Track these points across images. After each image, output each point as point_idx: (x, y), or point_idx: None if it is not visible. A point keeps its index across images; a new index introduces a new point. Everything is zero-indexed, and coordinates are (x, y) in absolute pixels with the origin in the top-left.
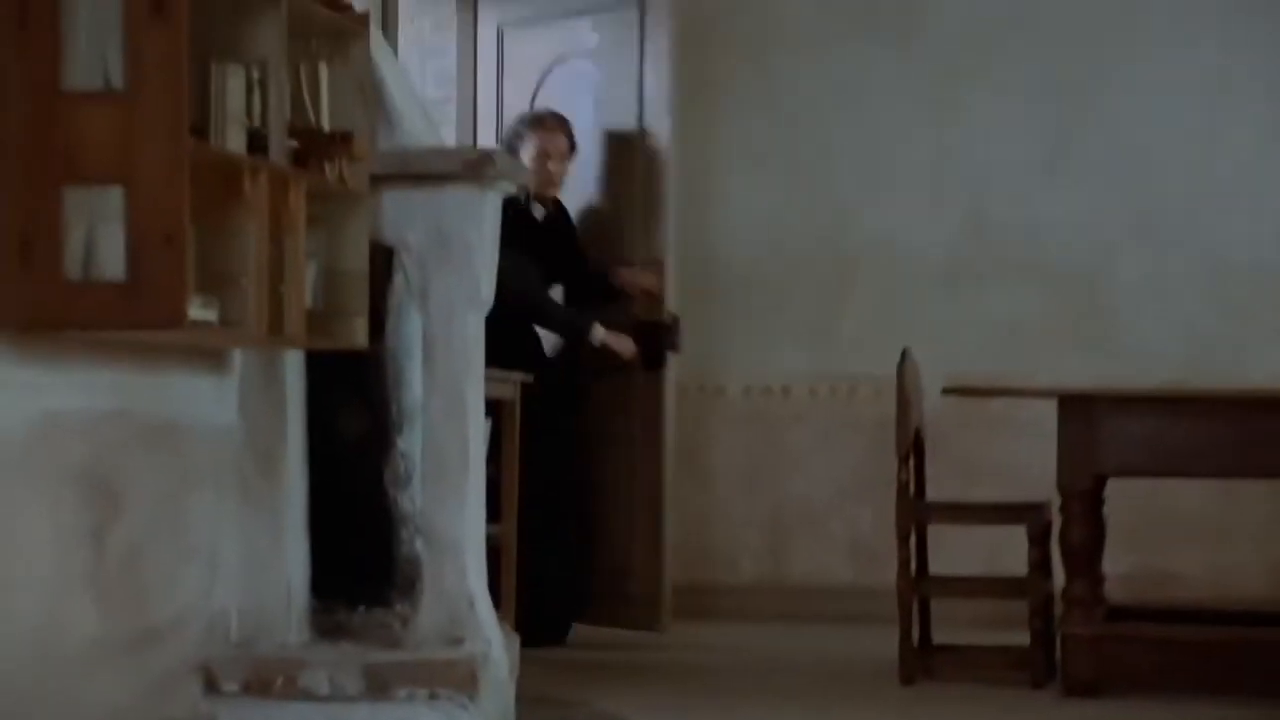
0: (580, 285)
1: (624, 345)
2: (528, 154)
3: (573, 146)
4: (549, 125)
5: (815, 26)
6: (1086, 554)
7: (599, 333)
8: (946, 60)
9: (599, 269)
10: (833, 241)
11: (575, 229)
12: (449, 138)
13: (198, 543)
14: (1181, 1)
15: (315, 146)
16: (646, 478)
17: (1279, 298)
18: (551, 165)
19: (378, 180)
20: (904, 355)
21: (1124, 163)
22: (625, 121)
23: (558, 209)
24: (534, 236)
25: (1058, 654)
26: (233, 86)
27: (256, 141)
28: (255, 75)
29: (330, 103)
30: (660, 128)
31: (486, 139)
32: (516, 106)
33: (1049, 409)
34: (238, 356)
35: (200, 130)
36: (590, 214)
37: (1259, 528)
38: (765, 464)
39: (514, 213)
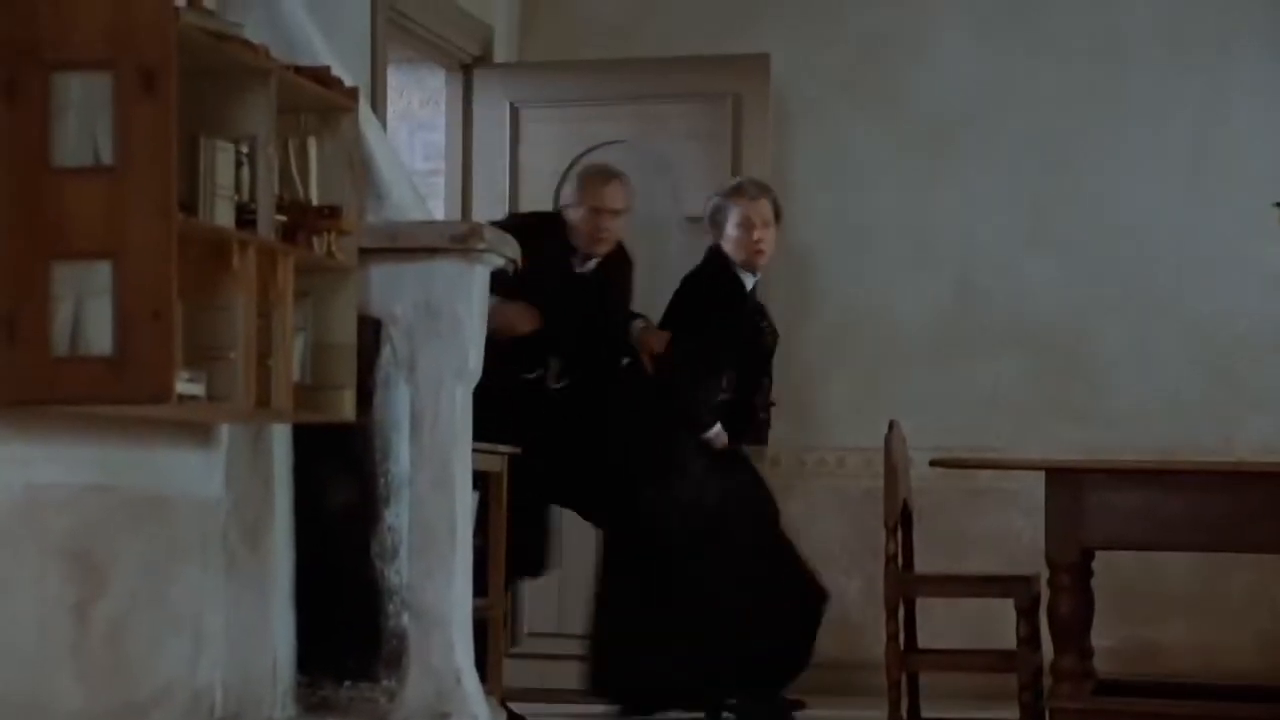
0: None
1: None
2: (732, 223)
3: (778, 214)
4: (751, 194)
5: (802, 96)
6: (1075, 627)
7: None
8: (931, 130)
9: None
10: (819, 311)
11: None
12: (437, 211)
13: (183, 616)
14: (1164, 74)
15: (304, 220)
16: None
17: (1265, 367)
18: (757, 234)
19: (366, 253)
20: (892, 426)
21: (1108, 232)
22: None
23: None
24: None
25: None
26: (222, 161)
27: (245, 216)
28: (244, 150)
29: (319, 177)
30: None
31: (495, 213)
32: (538, 187)
33: (1037, 480)
34: (225, 430)
35: (189, 205)
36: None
37: (1246, 601)
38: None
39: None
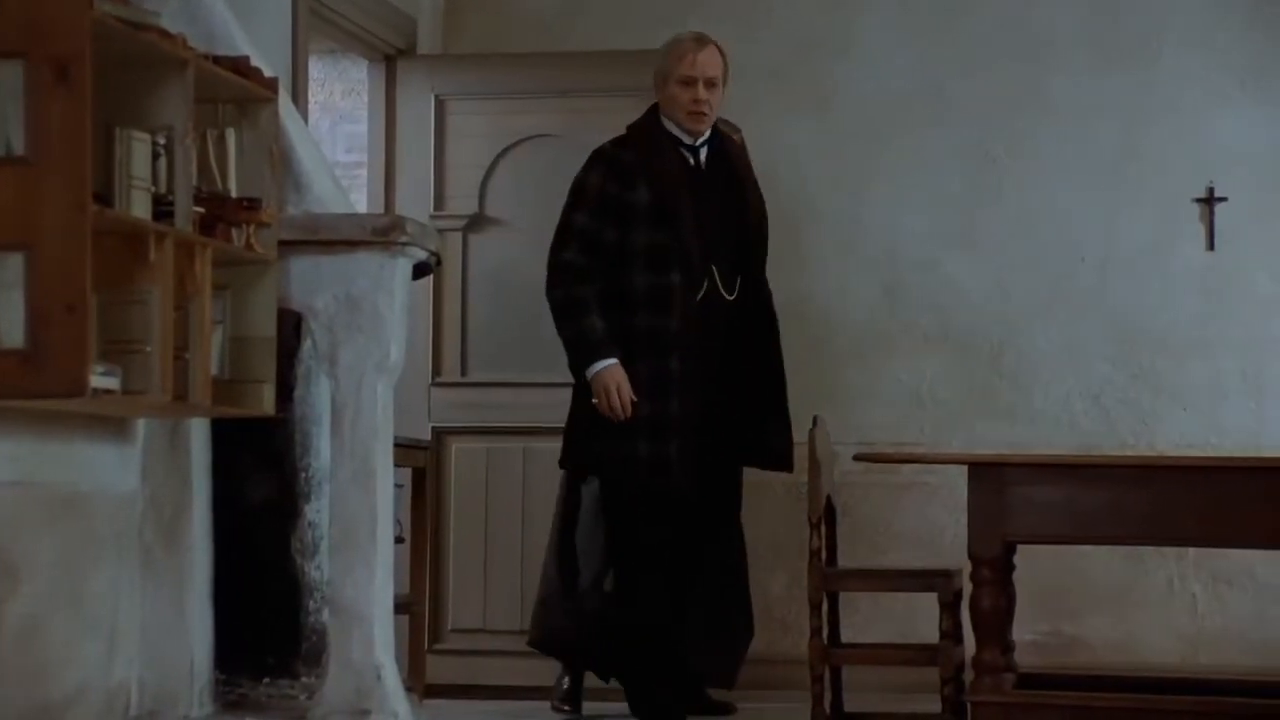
0: None
1: None
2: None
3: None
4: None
5: (731, 93)
6: (997, 620)
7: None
8: (860, 129)
9: None
10: None
11: None
12: (360, 203)
13: (98, 613)
14: (1089, 76)
15: (222, 212)
16: None
17: (1185, 365)
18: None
19: (286, 246)
20: (815, 422)
21: (1033, 231)
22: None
23: None
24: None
25: None
26: (138, 152)
27: (162, 208)
28: (161, 141)
29: (238, 168)
30: None
31: (420, 206)
32: (464, 180)
33: (960, 475)
34: (141, 424)
35: (104, 197)
36: None
37: (1165, 594)
38: None
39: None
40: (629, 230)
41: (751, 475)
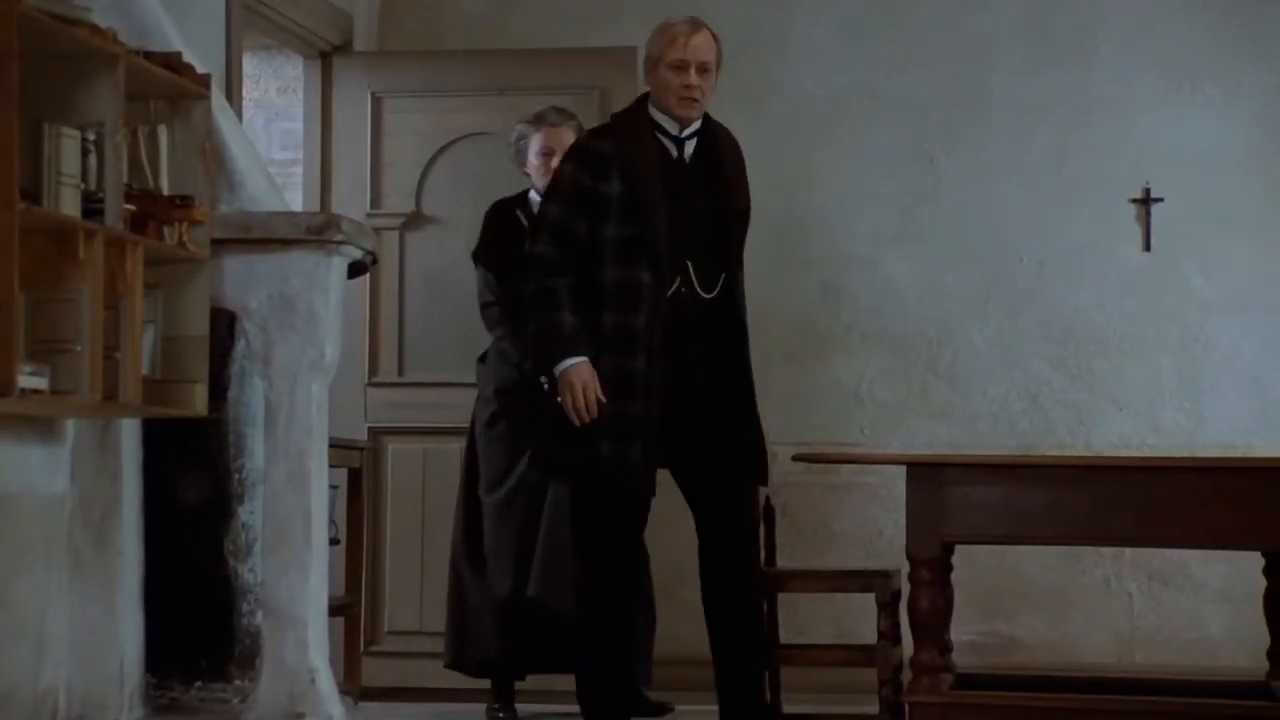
0: None
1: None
2: (533, 151)
3: None
4: (552, 120)
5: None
6: (934, 621)
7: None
8: (798, 129)
9: None
10: None
11: None
12: (296, 201)
13: (25, 617)
14: (1027, 77)
15: (153, 210)
16: None
17: (1122, 365)
18: (555, 163)
19: (219, 244)
20: None
21: (972, 231)
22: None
23: None
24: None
25: None
26: (67, 148)
27: (92, 205)
28: (91, 137)
29: (170, 166)
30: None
31: (356, 204)
32: (401, 178)
33: (899, 475)
34: (70, 425)
35: (32, 194)
36: None
37: (1102, 595)
38: None
39: (506, 215)
40: (600, 223)
41: None
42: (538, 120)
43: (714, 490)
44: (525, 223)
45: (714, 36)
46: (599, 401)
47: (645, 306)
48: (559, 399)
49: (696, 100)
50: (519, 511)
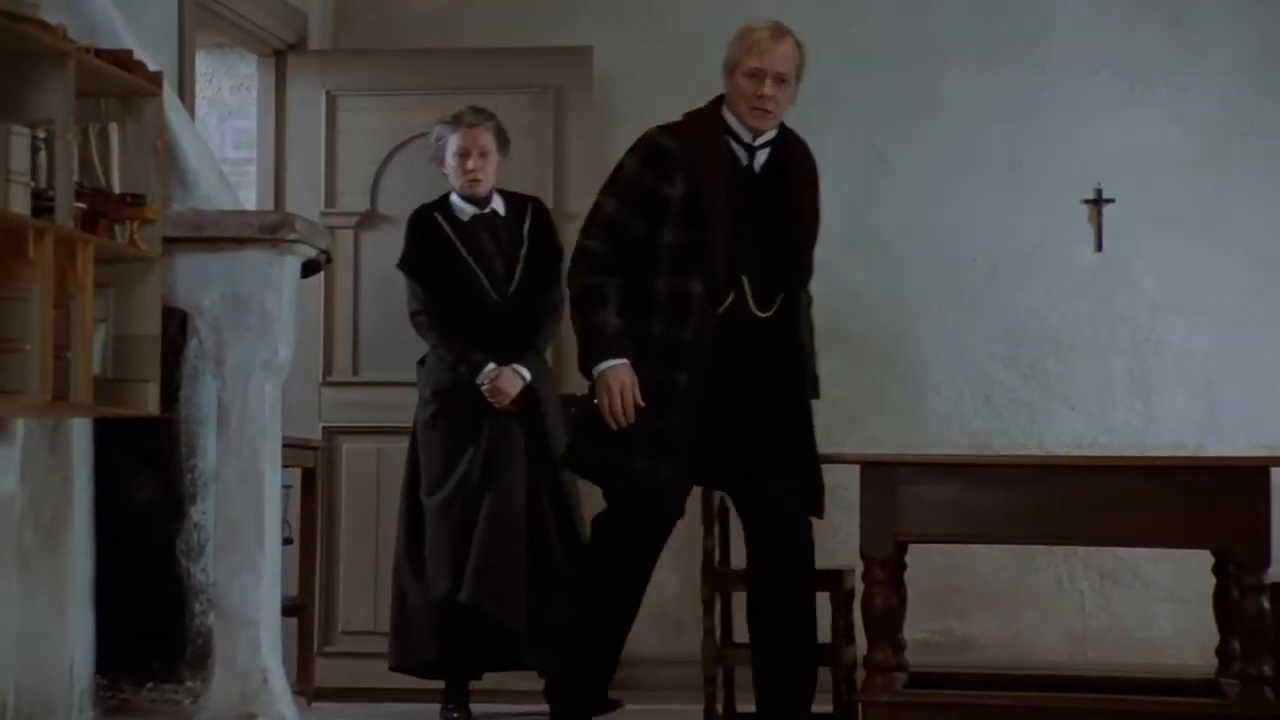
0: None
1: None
2: (450, 152)
3: (502, 142)
4: (469, 121)
5: (624, 91)
6: (888, 620)
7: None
8: None
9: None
10: None
11: (545, 231)
12: (249, 200)
13: None
14: (978, 78)
15: (105, 208)
16: None
17: (1074, 365)
18: (471, 163)
19: (171, 243)
20: None
21: (925, 232)
22: None
23: (516, 208)
24: (465, 239)
25: None
26: (16, 146)
27: (42, 203)
28: (41, 135)
29: (121, 164)
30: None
31: (310, 203)
32: (356, 176)
33: (853, 475)
34: (20, 424)
35: None
36: None
37: (1054, 594)
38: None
39: (426, 221)
40: (658, 227)
41: None
42: (455, 121)
43: (766, 525)
44: (446, 226)
45: (797, 44)
46: (637, 407)
47: (694, 319)
48: (595, 401)
49: (770, 112)
50: (457, 514)
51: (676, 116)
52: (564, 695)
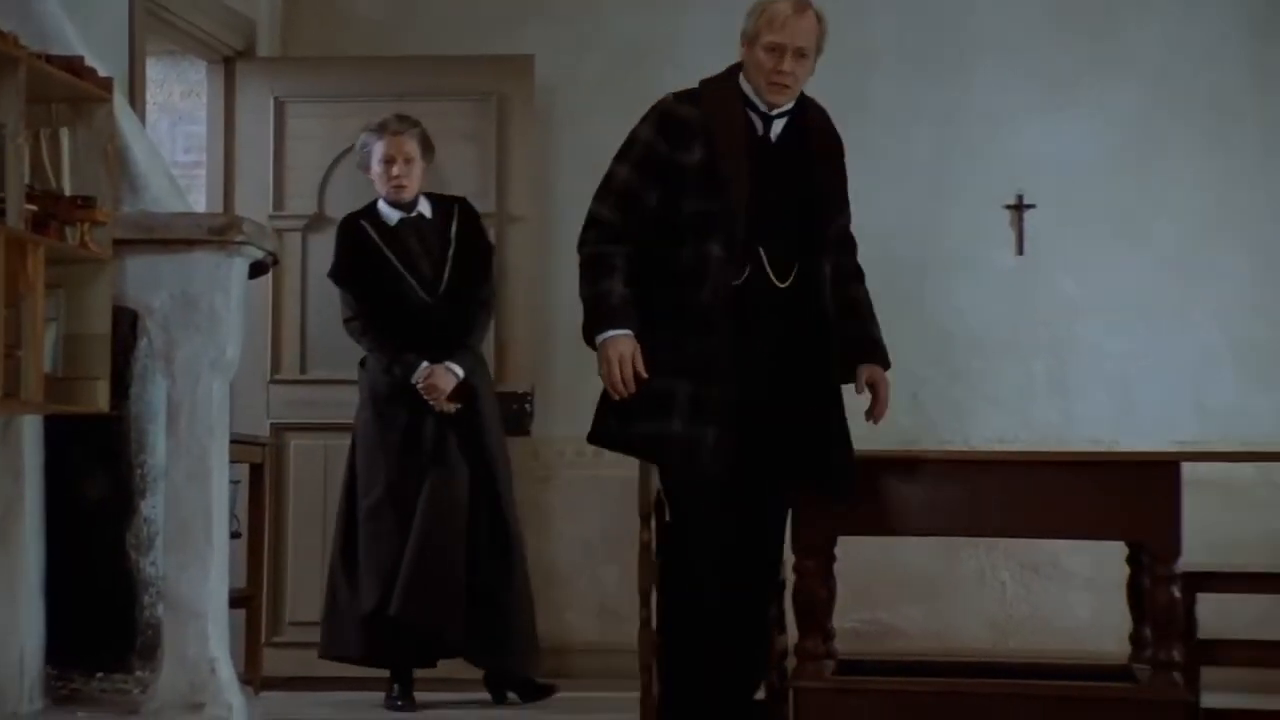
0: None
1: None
2: (375, 159)
3: (427, 149)
4: (394, 129)
5: (565, 98)
6: (819, 610)
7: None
8: None
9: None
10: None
11: (472, 230)
12: (200, 203)
13: None
14: (907, 84)
15: (55, 210)
16: None
17: (997, 364)
18: (397, 170)
19: (121, 244)
20: None
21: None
22: None
23: (442, 210)
24: (392, 244)
25: (791, 707)
26: None
27: None
28: None
29: (71, 167)
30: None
31: (259, 206)
32: (304, 180)
33: None
34: None
35: None
36: None
37: (976, 584)
38: None
39: (354, 229)
40: (676, 195)
41: (588, 469)
42: (381, 128)
43: (764, 520)
44: (373, 233)
45: (818, 18)
46: (637, 377)
47: (712, 284)
48: (599, 373)
49: (788, 88)
50: (391, 517)
51: (616, 124)
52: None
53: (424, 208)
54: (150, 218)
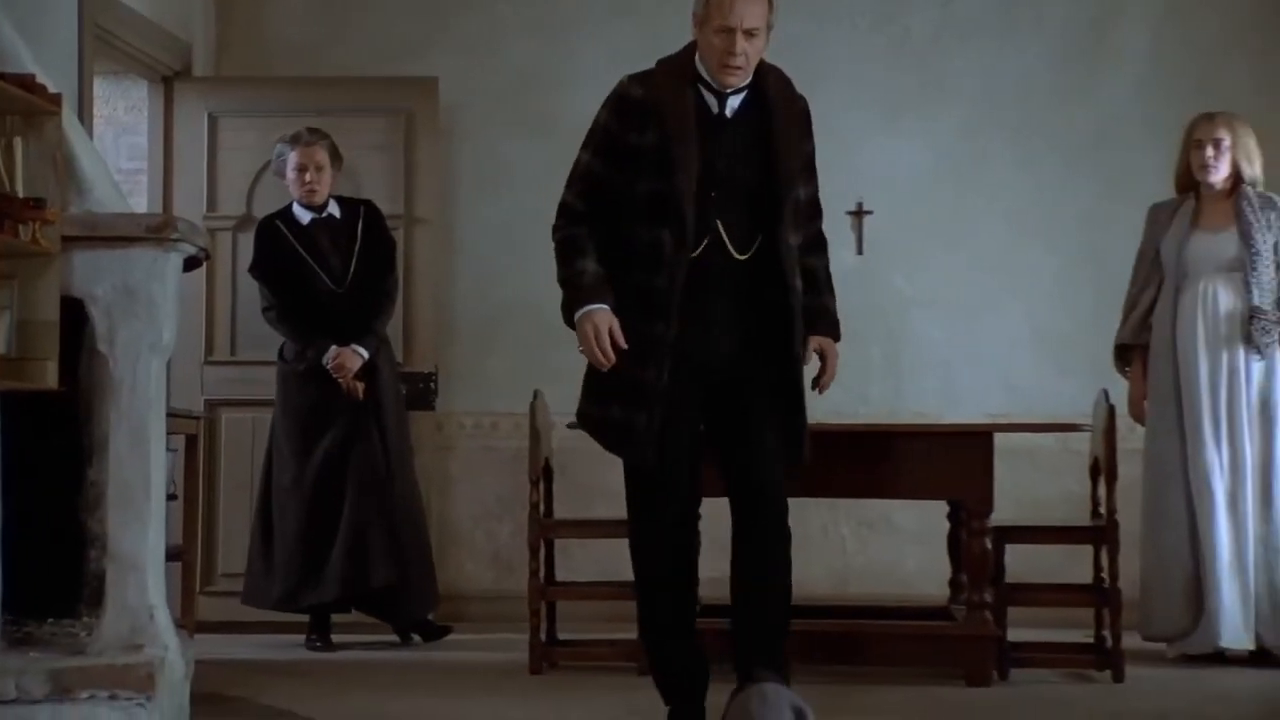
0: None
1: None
2: (289, 167)
3: (335, 157)
4: (306, 140)
5: (468, 116)
6: None
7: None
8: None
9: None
10: (484, 298)
11: (376, 228)
12: (141, 205)
13: None
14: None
15: (9, 210)
16: None
17: (842, 351)
18: (309, 176)
19: (69, 241)
20: (536, 395)
21: None
22: None
23: (350, 211)
24: (304, 242)
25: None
26: None
27: None
28: None
29: (24, 173)
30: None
31: (194, 208)
32: (234, 186)
33: None
34: None
35: None
36: None
37: (820, 538)
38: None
39: (270, 229)
40: (633, 177)
41: (485, 439)
42: (294, 140)
43: (747, 473)
44: (287, 232)
45: None
46: (618, 351)
47: (667, 268)
48: (580, 350)
49: (740, 68)
50: (309, 494)
51: (511, 139)
52: (665, 687)
53: (333, 209)
54: (95, 217)
